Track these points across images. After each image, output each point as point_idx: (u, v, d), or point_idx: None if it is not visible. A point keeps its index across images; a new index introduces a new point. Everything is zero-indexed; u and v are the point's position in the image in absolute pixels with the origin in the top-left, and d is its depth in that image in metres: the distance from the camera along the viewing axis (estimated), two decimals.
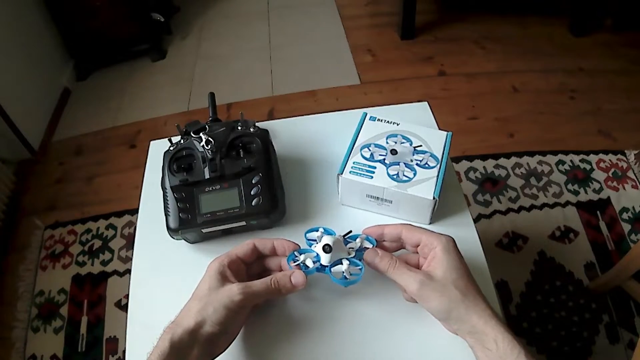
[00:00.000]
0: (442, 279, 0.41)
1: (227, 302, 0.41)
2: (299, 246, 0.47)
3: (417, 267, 0.46)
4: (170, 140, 0.58)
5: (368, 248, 0.46)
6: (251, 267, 0.47)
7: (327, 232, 0.49)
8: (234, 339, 0.46)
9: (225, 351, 0.45)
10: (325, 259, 0.45)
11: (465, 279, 0.42)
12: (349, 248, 0.47)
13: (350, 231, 0.48)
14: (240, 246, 0.46)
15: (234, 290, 0.41)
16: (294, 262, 0.46)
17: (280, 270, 0.47)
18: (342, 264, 0.45)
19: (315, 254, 0.46)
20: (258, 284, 0.43)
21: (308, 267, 0.46)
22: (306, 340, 0.48)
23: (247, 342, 0.48)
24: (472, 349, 0.41)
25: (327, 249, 0.45)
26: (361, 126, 0.59)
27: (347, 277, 0.45)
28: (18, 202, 1.59)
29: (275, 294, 0.44)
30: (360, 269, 0.45)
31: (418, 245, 0.45)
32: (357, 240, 0.47)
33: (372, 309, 0.49)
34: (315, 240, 0.48)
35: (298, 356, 0.47)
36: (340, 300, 0.50)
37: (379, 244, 0.47)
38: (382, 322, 0.48)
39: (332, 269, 0.45)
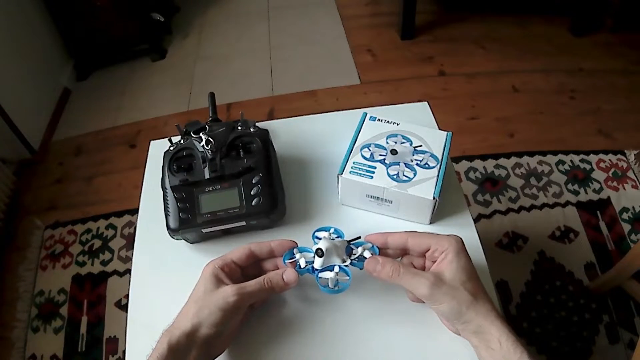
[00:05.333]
0: (452, 280, 0.41)
1: (222, 303, 0.41)
2: (297, 244, 0.47)
3: (423, 269, 0.46)
4: (170, 140, 0.58)
5: (367, 257, 0.45)
6: (247, 269, 0.47)
7: (337, 232, 0.49)
8: (232, 340, 0.46)
9: (224, 352, 0.46)
10: (317, 262, 0.45)
11: (474, 281, 0.42)
12: (352, 255, 0.46)
13: (359, 237, 0.47)
14: (235, 250, 0.46)
15: (228, 292, 0.42)
16: (291, 260, 0.46)
17: (276, 269, 0.47)
18: (332, 270, 0.45)
19: (313, 255, 0.46)
20: (252, 284, 0.43)
21: (301, 267, 0.46)
22: (304, 341, 0.47)
23: (245, 342, 0.48)
24: (476, 348, 0.41)
25: (319, 253, 0.45)
26: (361, 126, 0.59)
27: (331, 286, 0.45)
28: (18, 202, 1.59)
29: (269, 292, 0.44)
30: (348, 279, 0.45)
31: (426, 252, 0.45)
32: (359, 248, 0.47)
33: (370, 309, 0.49)
34: (321, 239, 0.48)
35: (296, 356, 0.47)
36: (338, 300, 0.49)
37: (382, 252, 0.47)
38: (381, 322, 0.48)
39: (320, 274, 0.45)
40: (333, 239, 0.47)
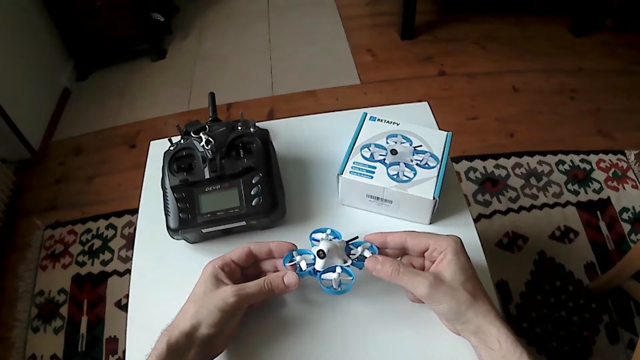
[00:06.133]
0: (451, 281, 0.41)
1: (221, 304, 0.41)
2: (296, 246, 0.47)
3: (422, 269, 0.46)
4: (170, 140, 0.58)
5: (367, 256, 0.45)
6: (247, 269, 0.47)
7: (334, 233, 0.49)
8: (231, 340, 0.46)
9: (223, 352, 0.46)
10: (318, 264, 0.45)
11: (473, 281, 0.42)
12: (351, 255, 0.46)
13: (357, 237, 0.47)
14: (235, 250, 0.46)
15: (227, 293, 0.42)
16: (290, 262, 0.46)
17: (276, 271, 0.47)
18: (334, 271, 0.45)
19: (313, 257, 0.46)
20: (251, 286, 0.43)
21: (302, 269, 0.46)
22: (304, 341, 0.47)
23: (244, 342, 0.48)
24: (475, 348, 0.41)
25: (321, 254, 0.44)
26: (361, 126, 0.59)
27: (335, 286, 0.45)
28: (18, 202, 1.59)
29: (269, 294, 0.44)
30: (351, 280, 0.45)
31: (425, 251, 0.45)
32: (359, 248, 0.46)
33: (370, 310, 0.49)
34: (319, 241, 0.48)
35: (296, 357, 0.47)
36: (338, 300, 0.49)
37: (381, 251, 0.47)
38: (381, 323, 0.48)
39: (323, 276, 0.45)
40: (331, 240, 0.47)
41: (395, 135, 0.58)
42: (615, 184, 1.43)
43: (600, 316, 1.16)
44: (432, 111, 0.68)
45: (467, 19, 2.13)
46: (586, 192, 1.41)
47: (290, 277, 0.44)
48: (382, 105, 0.69)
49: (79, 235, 1.47)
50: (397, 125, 0.59)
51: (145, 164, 0.66)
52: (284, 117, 0.71)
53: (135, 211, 0.62)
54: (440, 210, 0.55)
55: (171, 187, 0.53)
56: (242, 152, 0.55)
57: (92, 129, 1.83)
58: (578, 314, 1.17)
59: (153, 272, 0.55)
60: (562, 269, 1.25)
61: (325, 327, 0.48)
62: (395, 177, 0.53)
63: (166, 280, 0.54)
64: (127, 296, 0.81)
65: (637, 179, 1.44)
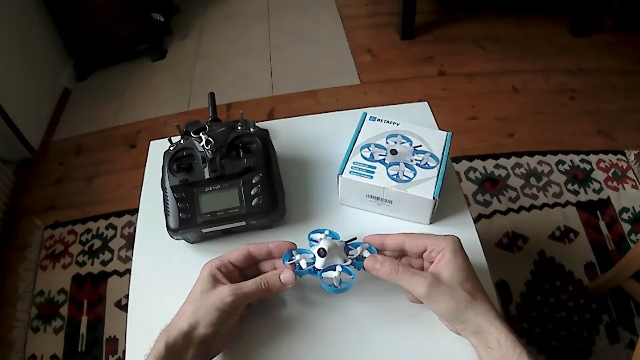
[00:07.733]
0: (450, 280, 0.41)
1: (219, 303, 0.41)
2: (296, 245, 0.47)
3: (421, 269, 0.45)
4: (170, 140, 0.58)
5: (366, 256, 0.45)
6: (246, 270, 0.47)
7: (332, 234, 0.49)
8: (230, 339, 0.46)
9: (222, 352, 0.46)
10: (319, 262, 0.45)
11: (472, 280, 0.42)
12: (349, 255, 0.46)
13: (355, 238, 0.47)
14: (233, 251, 0.46)
15: (224, 292, 0.42)
16: (290, 261, 0.46)
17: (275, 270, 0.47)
18: (335, 270, 0.45)
19: (312, 256, 0.46)
20: (248, 285, 0.43)
21: (302, 268, 0.46)
22: (303, 341, 0.47)
23: (243, 342, 0.48)
24: (475, 348, 0.41)
25: (321, 252, 0.45)
26: (361, 126, 0.59)
27: (336, 284, 0.45)
28: (18, 202, 1.59)
29: (266, 293, 0.44)
30: (352, 278, 0.45)
31: (423, 252, 0.45)
32: (358, 248, 0.47)
33: (369, 310, 0.49)
34: (317, 241, 0.48)
35: (295, 357, 0.47)
36: (337, 300, 0.49)
37: (379, 253, 0.47)
38: (380, 323, 0.48)
39: (323, 274, 0.45)
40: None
41: (395, 135, 0.58)
42: (615, 184, 1.43)
43: (600, 316, 1.16)
44: (432, 111, 0.68)
45: (467, 19, 2.13)
46: (586, 192, 1.41)
47: (287, 275, 0.44)
48: (382, 105, 0.69)
49: (79, 235, 1.47)
50: (397, 125, 0.59)
51: (145, 164, 0.66)
52: (284, 117, 0.71)
53: (135, 211, 0.62)
54: (440, 210, 0.55)
55: (171, 187, 0.53)
56: (242, 152, 0.55)
57: (92, 129, 1.83)
58: (578, 314, 1.17)
59: (153, 272, 0.55)
60: (562, 269, 1.25)
61: (325, 327, 0.48)
62: (395, 177, 0.53)
63: (166, 280, 0.54)
64: (127, 296, 0.81)
65: (637, 179, 1.44)
